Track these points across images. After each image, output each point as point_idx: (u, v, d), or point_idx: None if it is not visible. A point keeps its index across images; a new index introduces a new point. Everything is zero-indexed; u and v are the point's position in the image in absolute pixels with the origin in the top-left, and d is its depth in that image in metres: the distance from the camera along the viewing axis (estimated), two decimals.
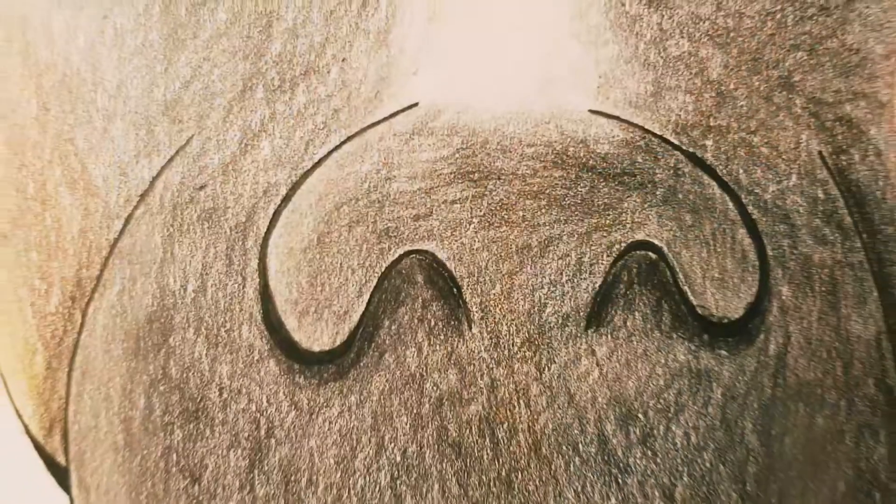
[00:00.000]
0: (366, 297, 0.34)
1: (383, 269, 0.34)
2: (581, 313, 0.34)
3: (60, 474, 0.36)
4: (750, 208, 0.36)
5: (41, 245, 0.36)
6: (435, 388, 0.34)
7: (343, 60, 0.37)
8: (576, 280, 0.35)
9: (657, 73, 0.34)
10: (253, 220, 0.34)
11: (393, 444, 0.35)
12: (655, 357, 0.34)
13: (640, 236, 0.34)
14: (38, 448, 0.36)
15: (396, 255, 0.34)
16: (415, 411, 0.35)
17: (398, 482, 0.35)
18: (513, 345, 0.35)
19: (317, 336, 0.34)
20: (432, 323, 0.35)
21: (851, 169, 0.36)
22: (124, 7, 0.39)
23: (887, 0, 0.40)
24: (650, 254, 0.34)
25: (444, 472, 0.36)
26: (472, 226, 0.35)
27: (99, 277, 0.35)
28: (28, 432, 0.36)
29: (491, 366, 0.34)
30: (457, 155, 0.35)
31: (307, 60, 0.35)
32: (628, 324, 0.34)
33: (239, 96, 0.35)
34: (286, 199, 0.35)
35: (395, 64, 0.34)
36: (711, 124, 0.34)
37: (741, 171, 0.35)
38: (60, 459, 0.36)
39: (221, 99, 0.36)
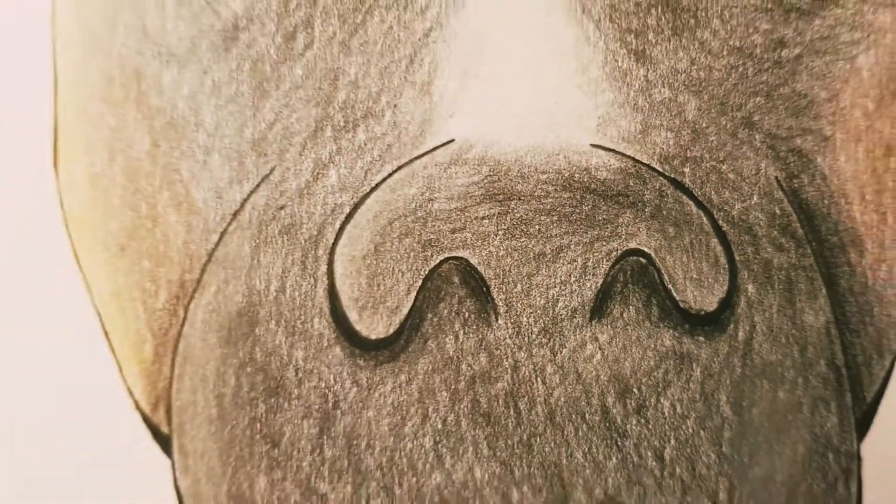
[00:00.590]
0: (413, 295, 0.37)
1: (427, 273, 0.38)
2: (586, 307, 0.37)
3: (164, 442, 0.40)
4: (721, 222, 0.38)
5: (151, 255, 0.39)
6: (469, 368, 0.38)
7: (395, 106, 0.39)
8: (582, 280, 0.37)
9: (644, 115, 0.38)
10: (322, 234, 0.38)
11: (435, 415, 0.38)
12: (647, 342, 0.38)
13: (632, 245, 0.37)
14: (146, 420, 0.39)
15: (437, 261, 0.38)
16: (452, 387, 0.38)
17: (440, 445, 0.38)
18: (531, 333, 0.37)
19: (373, 326, 0.37)
20: (466, 315, 0.37)
21: (802, 190, 0.40)
22: (220, 64, 0.42)
23: (828, 55, 0.45)
24: (641, 259, 0.37)
25: (476, 437, 0.39)
26: (498, 237, 0.38)
27: (198, 280, 0.39)
28: (138, 407, 0.39)
29: (514, 350, 0.38)
30: (485, 180, 0.37)
31: (366, 106, 0.38)
32: (624, 315, 0.37)
33: (312, 135, 0.38)
34: (349, 216, 0.38)
35: (436, 109, 0.38)
36: (688, 155, 0.38)
37: (713, 192, 0.39)
38: (164, 430, 0.40)
39: (298, 137, 0.38)
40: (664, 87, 0.39)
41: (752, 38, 0.40)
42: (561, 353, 0.37)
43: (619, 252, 0.37)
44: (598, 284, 0.37)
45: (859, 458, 0.40)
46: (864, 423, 0.40)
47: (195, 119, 0.39)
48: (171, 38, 0.39)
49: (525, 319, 0.37)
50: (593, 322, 0.37)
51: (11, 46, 0.42)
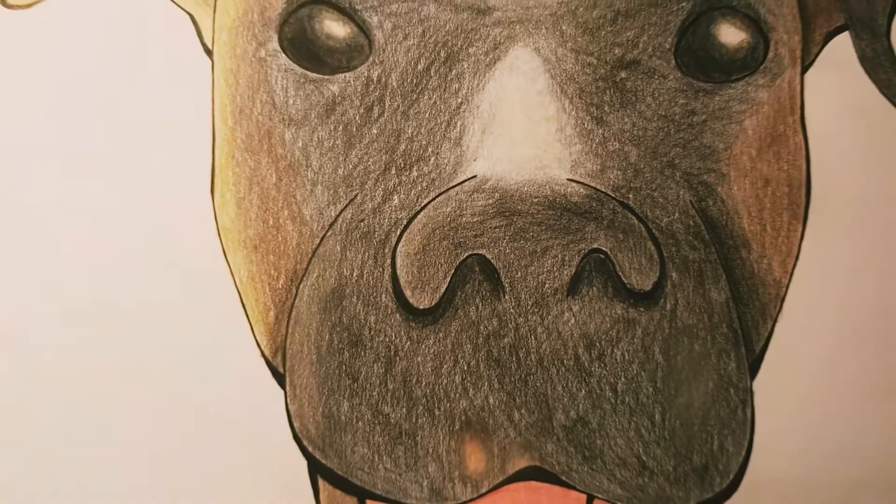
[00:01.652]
0: (448, 279, 0.42)
1: (457, 264, 0.42)
2: (564, 288, 0.42)
3: (280, 379, 0.45)
4: (654, 231, 0.43)
5: (275, 252, 0.45)
6: (484, 329, 0.42)
7: (437, 154, 0.43)
8: (561, 269, 0.41)
9: (602, 159, 0.43)
10: (388, 238, 0.43)
11: (462, 361, 0.42)
12: (605, 311, 0.42)
13: (595, 245, 0.41)
14: (269, 364, 0.45)
15: (464, 256, 0.42)
16: (474, 342, 0.42)
17: (465, 381, 0.43)
18: (528, 305, 0.42)
19: (421, 300, 0.42)
20: (483, 293, 0.42)
21: (708, 210, 0.44)
22: (323, 126, 0.44)
23: (724, 120, 0.44)
24: (601, 255, 0.42)
25: (490, 375, 0.43)
26: (505, 240, 0.42)
27: (306, 269, 0.44)
28: (263, 356, 0.45)
29: (515, 317, 0.42)
30: (496, 203, 0.42)
31: (418, 154, 0.44)
32: (590, 293, 0.42)
33: (382, 173, 0.43)
34: (406, 227, 0.43)
35: (464, 155, 0.43)
36: (631, 186, 0.43)
37: (648, 211, 0.44)
38: (280, 370, 0.45)
39: (373, 174, 0.43)
40: (615, 141, 0.44)
41: (673, 109, 0.44)
42: (547, 318, 0.42)
43: (586, 250, 0.42)
44: (572, 272, 0.42)
45: (752, 392, 0.44)
46: (754, 368, 0.45)
47: (306, 162, 0.44)
48: (291, 109, 0.44)
49: (523, 296, 0.42)
50: (569, 298, 0.42)
51: (185, 112, 0.46)
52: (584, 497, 0.44)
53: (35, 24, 0.46)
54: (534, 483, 0.43)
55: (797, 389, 0.46)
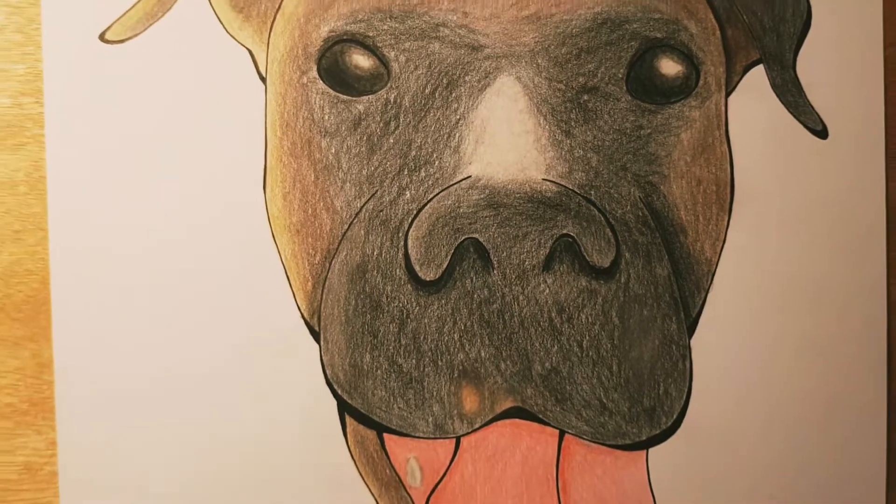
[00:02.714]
0: (449, 257, 0.42)
1: (456, 245, 0.42)
2: (540, 264, 0.42)
3: (315, 336, 0.44)
4: (611, 220, 0.43)
5: (313, 235, 0.44)
6: (478, 296, 0.43)
7: (440, 159, 0.44)
8: (538, 250, 0.42)
9: (570, 164, 0.43)
10: (402, 225, 0.43)
11: (459, 322, 0.43)
12: (572, 283, 0.43)
13: (564, 231, 0.42)
14: (307, 324, 0.45)
15: (461, 239, 0.42)
16: (469, 307, 0.43)
17: (462, 339, 0.43)
18: (512, 278, 0.42)
19: (427, 274, 0.42)
20: (477, 268, 0.42)
21: (653, 203, 0.44)
22: (351, 137, 0.44)
23: (666, 133, 0.45)
24: (569, 239, 0.42)
25: (482, 334, 0.43)
26: (493, 227, 0.42)
27: (337, 248, 0.43)
28: (303, 317, 0.45)
29: (501, 287, 0.43)
30: (486, 197, 0.42)
31: (425, 159, 0.43)
32: (560, 268, 0.43)
33: (397, 173, 0.43)
34: (415, 216, 0.43)
35: (461, 160, 0.43)
36: (593, 185, 0.43)
37: (606, 204, 0.44)
38: (316, 328, 0.44)
39: (390, 175, 0.43)
40: (580, 149, 0.44)
41: (625, 124, 0.45)
42: (527, 288, 0.43)
43: (557, 235, 0.43)
44: (546, 252, 0.43)
45: (690, 348, 0.45)
46: (691, 329, 0.46)
47: (337, 164, 0.44)
48: (326, 123, 0.44)
49: (508, 271, 0.43)
50: (544, 272, 0.43)
51: (244, 124, 0.45)
52: (557, 432, 0.44)
53: (126, 56, 0.45)
54: (516, 420, 0.44)
55: (726, 346, 0.46)
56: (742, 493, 0.46)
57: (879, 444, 0.45)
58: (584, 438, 0.44)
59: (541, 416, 0.43)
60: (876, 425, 0.45)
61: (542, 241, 0.42)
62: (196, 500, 0.45)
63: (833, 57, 0.45)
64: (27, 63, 0.45)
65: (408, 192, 0.44)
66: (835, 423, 0.46)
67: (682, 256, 0.45)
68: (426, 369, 0.43)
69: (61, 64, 0.44)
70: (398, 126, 0.44)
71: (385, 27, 0.43)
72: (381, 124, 0.44)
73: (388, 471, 0.45)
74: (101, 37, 0.45)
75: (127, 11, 0.45)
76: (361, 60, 0.44)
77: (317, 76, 0.44)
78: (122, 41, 0.45)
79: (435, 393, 0.43)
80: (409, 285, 0.43)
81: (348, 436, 0.45)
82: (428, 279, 0.42)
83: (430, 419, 0.43)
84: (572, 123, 0.44)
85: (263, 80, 0.45)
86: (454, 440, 0.44)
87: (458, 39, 0.44)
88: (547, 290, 0.43)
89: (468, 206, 0.42)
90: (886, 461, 0.45)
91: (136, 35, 0.45)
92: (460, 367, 0.43)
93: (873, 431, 0.45)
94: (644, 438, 0.44)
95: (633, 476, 0.45)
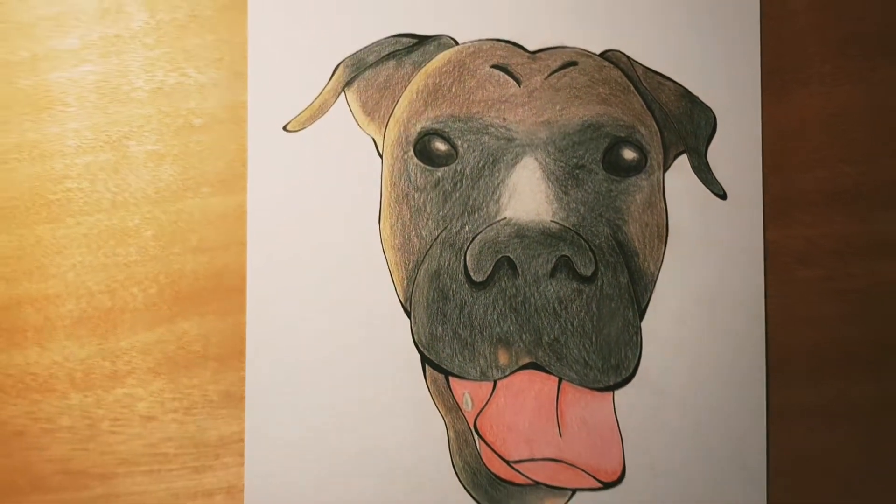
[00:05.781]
0: (491, 267, 0.46)
1: (496, 260, 0.46)
2: (547, 274, 0.47)
3: (408, 314, 0.49)
4: (592, 247, 0.47)
5: (407, 252, 0.49)
6: (508, 292, 0.47)
7: (487, 207, 0.47)
8: (546, 264, 0.47)
9: (567, 212, 0.47)
10: (462, 248, 0.47)
11: (497, 308, 0.47)
12: (567, 286, 0.47)
13: (563, 253, 0.47)
14: (403, 307, 0.49)
15: (499, 257, 0.46)
16: (503, 299, 0.47)
17: (499, 319, 0.47)
18: (531, 282, 0.47)
19: (478, 277, 0.47)
20: (509, 274, 0.47)
21: (619, 237, 0.48)
22: (433, 192, 0.47)
23: (626, 195, 0.46)
24: (566, 257, 0.47)
25: (511, 316, 0.47)
26: (519, 249, 0.46)
27: (423, 260, 0.48)
28: (401, 303, 0.49)
29: (524, 288, 0.47)
30: (515, 231, 0.46)
31: (476, 207, 0.47)
32: (560, 276, 0.47)
33: (459, 215, 0.47)
34: (471, 242, 0.47)
35: (500, 208, 0.47)
36: (581, 225, 0.48)
37: (589, 237, 0.47)
38: (408, 310, 0.49)
39: (456, 216, 0.48)
40: (574, 203, 0.48)
41: (601, 189, 0.48)
42: (539, 288, 0.47)
43: (559, 255, 0.47)
44: (552, 266, 0.47)
45: (640, 329, 0.49)
46: (641, 316, 0.50)
47: (424, 209, 0.49)
48: (417, 183, 0.49)
49: (528, 277, 0.47)
50: (550, 278, 0.47)
51: (368, 183, 0.48)
52: (557, 379, 0.49)
53: (301, 141, 0.49)
54: (532, 371, 0.49)
55: (663, 327, 0.50)
56: (672, 420, 0.50)
57: (760, 389, 0.49)
58: (574, 383, 0.49)
59: (547, 368, 0.48)
60: (755, 378, 0.49)
61: (549, 258, 0.47)
62: (315, 418, 0.48)
63: (729, 149, 0.50)
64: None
65: (467, 227, 0.49)
66: (731, 377, 0.50)
67: (636, 270, 0.49)
68: (476, 337, 0.48)
69: (262, 146, 0.48)
70: (462, 186, 0.49)
71: (455, 126, 0.48)
72: (451, 185, 0.49)
73: (451, 400, 0.50)
74: (284, 127, 0.50)
75: (302, 112, 0.50)
76: (440, 145, 0.49)
77: (413, 155, 0.49)
78: (297, 131, 0.50)
79: (481, 352, 0.48)
80: (466, 284, 0.48)
81: (427, 378, 0.50)
82: (478, 281, 0.47)
83: (478, 369, 0.48)
84: (569, 187, 0.48)
85: (381, 156, 0.50)
86: (492, 382, 0.49)
87: (499, 134, 0.48)
88: (552, 290, 0.47)
89: (504, 236, 0.47)
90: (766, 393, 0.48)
91: (305, 127, 0.50)
92: (497, 337, 0.48)
93: (754, 381, 0.49)
94: (612, 384, 0.49)
95: (604, 408, 0.50)
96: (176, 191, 0.48)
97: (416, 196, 0.49)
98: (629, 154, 0.49)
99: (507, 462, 0.48)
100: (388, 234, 0.49)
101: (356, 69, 0.49)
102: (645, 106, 0.49)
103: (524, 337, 0.48)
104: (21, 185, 0.47)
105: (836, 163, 0.49)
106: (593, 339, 0.48)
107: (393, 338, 0.49)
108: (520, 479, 0.48)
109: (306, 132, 0.50)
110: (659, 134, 0.50)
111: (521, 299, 0.47)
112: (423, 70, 0.49)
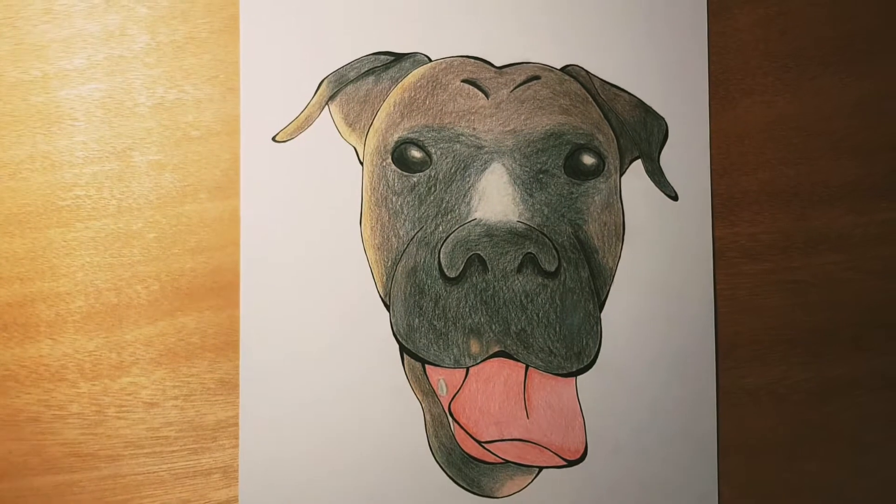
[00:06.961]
0: (463, 263, 0.49)
1: (467, 257, 0.48)
2: (515, 269, 0.49)
3: (387, 307, 0.51)
4: (555, 245, 0.50)
5: (386, 250, 0.51)
6: (479, 286, 0.49)
7: (458, 209, 0.48)
8: (514, 260, 0.49)
9: (532, 212, 0.49)
10: (437, 245, 0.49)
11: (469, 301, 0.49)
12: (533, 280, 0.49)
13: (529, 250, 0.49)
14: (383, 300, 0.51)
15: (470, 254, 0.48)
16: (474, 292, 0.49)
17: (470, 311, 0.49)
18: (499, 276, 0.49)
19: (451, 273, 0.49)
20: (480, 270, 0.49)
21: (580, 235, 0.51)
22: (410, 197, 0.49)
23: (586, 196, 0.48)
24: (532, 254, 0.49)
25: (481, 308, 0.49)
26: (489, 247, 0.48)
27: (400, 258, 0.50)
28: (381, 297, 0.51)
29: (493, 282, 0.49)
30: (485, 231, 0.49)
31: (449, 208, 0.48)
32: (527, 271, 0.49)
33: (433, 217, 0.49)
34: (444, 241, 0.49)
35: (471, 210, 0.49)
36: (545, 224, 0.50)
37: (553, 235, 0.50)
38: (387, 303, 0.51)
39: (430, 217, 0.50)
40: (538, 205, 0.50)
41: (563, 191, 0.51)
42: (507, 282, 0.50)
43: (525, 252, 0.49)
44: (519, 262, 0.49)
45: (600, 319, 0.52)
46: (601, 307, 0.52)
47: (401, 211, 0.51)
48: (395, 188, 0.51)
49: (497, 273, 0.49)
50: (517, 275, 0.49)
51: (349, 189, 0.49)
52: (524, 366, 0.51)
53: (288, 150, 0.51)
54: (501, 358, 0.51)
55: (620, 318, 0.53)
56: (630, 402, 0.52)
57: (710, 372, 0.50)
58: (539, 370, 0.51)
59: (515, 356, 0.50)
60: (706, 363, 0.51)
61: (516, 255, 0.49)
62: (303, 403, 0.50)
63: (680, 155, 0.53)
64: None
65: (441, 227, 0.51)
66: (683, 363, 0.52)
67: (596, 266, 0.52)
68: (449, 328, 0.50)
69: (253, 155, 0.50)
70: (436, 190, 0.51)
71: (429, 135, 0.50)
72: (426, 189, 0.51)
73: (427, 386, 0.52)
74: (273, 138, 0.52)
75: (290, 124, 0.52)
76: (416, 153, 0.51)
77: (391, 162, 0.51)
78: (285, 141, 0.52)
79: (454, 342, 0.50)
80: (440, 280, 0.50)
81: (405, 365, 0.52)
82: (451, 276, 0.49)
83: (452, 357, 0.50)
84: (533, 190, 0.51)
85: (362, 163, 0.52)
86: (465, 369, 0.51)
87: (469, 142, 0.51)
88: (519, 284, 0.49)
89: (475, 235, 0.49)
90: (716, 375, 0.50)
91: (292, 138, 0.52)
92: (469, 327, 0.50)
93: (705, 366, 0.51)
94: (574, 370, 0.51)
95: (568, 392, 0.52)
96: (175, 197, 0.50)
97: (393, 199, 0.51)
98: (588, 160, 0.52)
99: (479, 442, 0.50)
100: (369, 234, 0.52)
101: (338, 84, 0.51)
102: (602, 115, 0.51)
103: (494, 328, 0.50)
104: (34, 193, 0.50)
105: (777, 165, 0.51)
106: (557, 329, 0.50)
107: (374, 329, 0.51)
108: (491, 458, 0.50)
109: (294, 142, 0.52)
110: (615, 141, 0.52)
111: (490, 293, 0.49)
112: (399, 85, 0.51)
